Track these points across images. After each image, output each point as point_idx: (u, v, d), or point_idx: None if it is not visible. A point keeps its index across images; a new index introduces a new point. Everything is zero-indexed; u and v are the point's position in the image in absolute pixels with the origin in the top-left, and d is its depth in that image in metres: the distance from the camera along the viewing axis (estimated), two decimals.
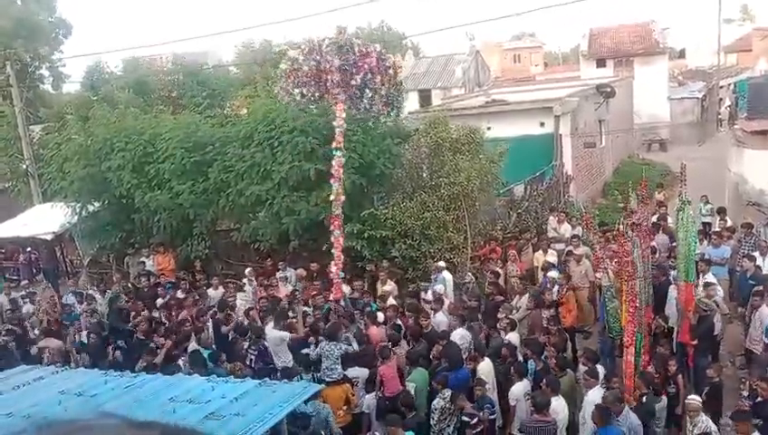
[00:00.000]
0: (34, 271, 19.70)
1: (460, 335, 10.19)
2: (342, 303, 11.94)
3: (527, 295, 11.56)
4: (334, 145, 12.47)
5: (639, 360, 9.11)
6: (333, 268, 12.39)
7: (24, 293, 15.57)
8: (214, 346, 11.05)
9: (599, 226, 13.17)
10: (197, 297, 13.40)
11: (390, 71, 12.86)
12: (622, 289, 9.03)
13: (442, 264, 13.02)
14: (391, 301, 12.10)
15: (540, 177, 18.77)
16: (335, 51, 12.11)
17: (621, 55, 38.03)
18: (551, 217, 15.98)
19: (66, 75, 31.49)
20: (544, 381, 8.44)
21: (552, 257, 13.43)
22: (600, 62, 38.34)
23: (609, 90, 24.15)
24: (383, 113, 13.68)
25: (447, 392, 8.46)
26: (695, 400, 7.91)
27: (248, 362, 10.36)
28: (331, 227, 12.54)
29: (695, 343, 9.81)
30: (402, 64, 43.31)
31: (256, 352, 10.48)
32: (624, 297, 8.93)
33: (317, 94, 12.62)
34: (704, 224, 15.43)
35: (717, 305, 10.42)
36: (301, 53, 12.43)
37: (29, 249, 19.55)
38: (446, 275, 12.81)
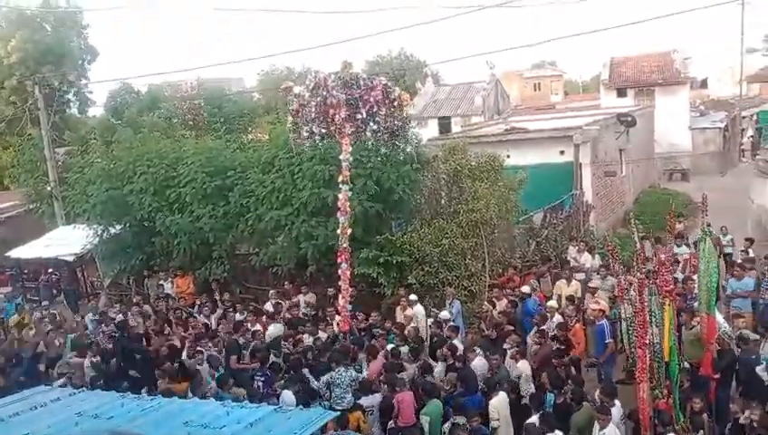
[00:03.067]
0: (55, 292, 19.89)
1: (480, 364, 10.10)
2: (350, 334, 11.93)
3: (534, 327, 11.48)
4: (340, 179, 12.51)
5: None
6: (341, 301, 12.38)
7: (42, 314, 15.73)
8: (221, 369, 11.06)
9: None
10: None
11: (396, 102, 12.93)
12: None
13: (451, 290, 13.04)
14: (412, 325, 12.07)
15: (559, 205, 18.69)
16: (340, 86, 12.23)
17: (642, 85, 37.92)
18: (570, 247, 15.85)
19: (92, 100, 32.17)
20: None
21: (573, 288, 13.28)
22: (621, 92, 38.25)
23: (629, 119, 24.07)
24: (388, 145, 13.67)
25: (459, 418, 8.37)
26: None
27: (256, 386, 10.36)
28: (339, 260, 12.57)
29: (717, 376, 9.62)
30: (421, 92, 43.66)
31: (263, 378, 10.46)
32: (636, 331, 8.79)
33: (323, 130, 12.69)
34: (724, 255, 15.22)
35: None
36: (306, 89, 12.54)
37: (51, 270, 19.77)
38: (457, 303, 12.87)
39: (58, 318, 15.19)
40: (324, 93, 12.22)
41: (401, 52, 56.09)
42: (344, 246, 12.52)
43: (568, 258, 15.30)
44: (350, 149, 12.56)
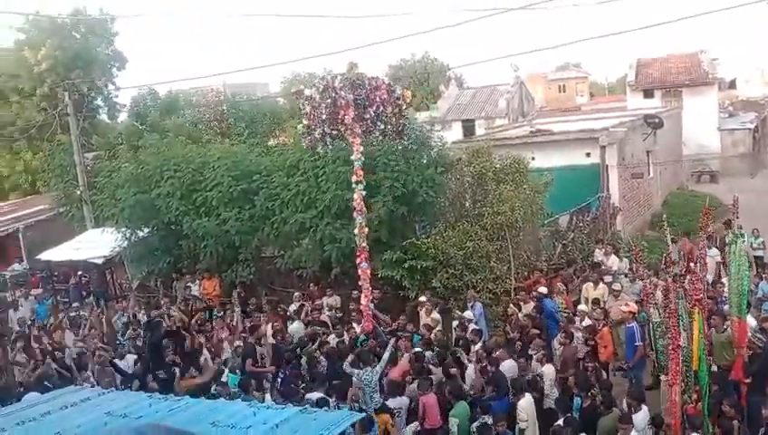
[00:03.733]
0: (84, 294, 20.20)
1: (509, 366, 10.05)
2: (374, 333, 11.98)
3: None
4: (354, 179, 12.58)
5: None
6: (363, 300, 12.41)
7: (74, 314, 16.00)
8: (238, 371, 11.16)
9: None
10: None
11: (400, 101, 12.95)
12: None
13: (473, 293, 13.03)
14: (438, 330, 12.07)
15: (585, 208, 18.51)
16: (348, 87, 12.28)
17: (669, 86, 37.43)
18: (597, 250, 15.69)
19: (121, 105, 32.62)
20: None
21: (599, 291, 13.14)
22: (648, 93, 37.79)
23: (656, 120, 23.77)
24: (396, 143, 13.66)
25: (488, 418, 8.34)
26: None
27: (277, 387, 10.44)
28: (358, 260, 12.56)
29: (748, 380, 9.44)
30: (445, 95, 43.59)
31: (282, 378, 10.54)
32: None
33: (334, 132, 12.72)
34: (755, 258, 14.96)
35: None
36: (316, 91, 12.60)
37: (80, 272, 20.09)
38: (479, 305, 12.84)
39: (90, 319, 15.43)
40: (333, 95, 12.28)
41: (425, 55, 56.00)
42: (363, 245, 12.56)
43: (594, 261, 15.15)
44: (362, 148, 12.64)
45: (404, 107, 12.65)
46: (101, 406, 8.25)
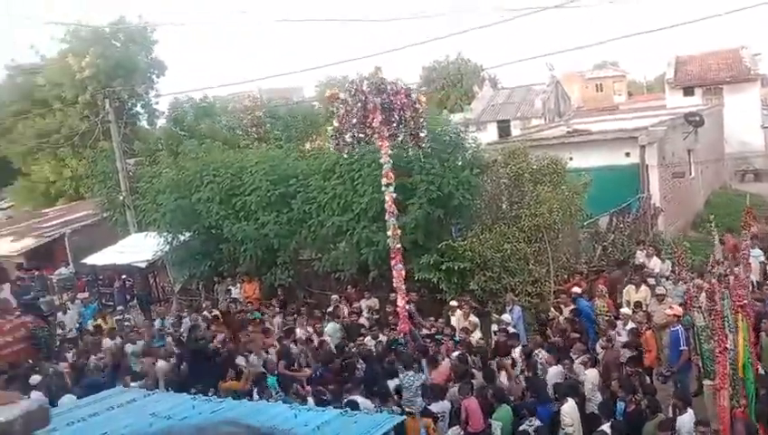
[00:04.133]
0: (128, 297, 20.64)
1: (555, 373, 9.97)
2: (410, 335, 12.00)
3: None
4: (385, 181, 12.60)
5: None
6: (399, 302, 12.45)
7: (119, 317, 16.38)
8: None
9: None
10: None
11: (416, 105, 12.95)
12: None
13: (512, 296, 12.96)
14: (477, 334, 12.02)
15: (626, 208, 18.22)
16: (375, 91, 12.35)
17: (709, 83, 36.60)
18: (638, 252, 15.42)
19: (160, 112, 33.23)
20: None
21: (642, 294, 12.92)
22: (688, 91, 37.01)
23: (697, 118, 23.28)
24: (414, 147, 13.64)
25: (535, 421, 8.28)
26: None
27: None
28: (393, 262, 12.62)
29: None
30: (479, 96, 43.37)
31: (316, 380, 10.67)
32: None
33: (362, 135, 12.79)
34: None
35: None
36: (348, 94, 12.67)
37: (124, 276, 20.54)
38: (517, 308, 12.74)
39: (133, 323, 15.80)
40: (363, 98, 12.37)
41: (458, 56, 55.79)
42: (397, 247, 12.63)
43: (636, 263, 14.89)
44: (389, 151, 12.69)
45: (420, 111, 12.64)
46: (147, 407, 8.45)
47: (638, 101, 52.04)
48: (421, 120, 12.67)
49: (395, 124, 12.62)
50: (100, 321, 16.15)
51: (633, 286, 13.09)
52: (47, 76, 31.34)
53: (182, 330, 14.39)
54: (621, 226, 16.90)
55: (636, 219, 17.86)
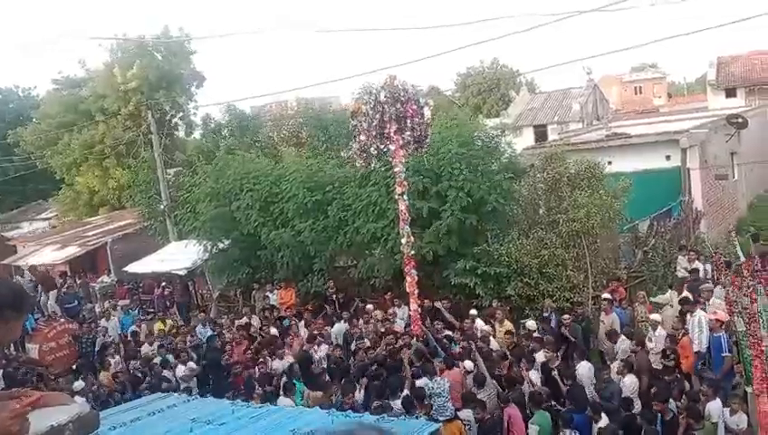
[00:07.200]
0: (168, 304, 21.02)
1: (586, 370, 9.83)
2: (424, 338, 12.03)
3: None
4: (399, 190, 12.60)
5: None
6: (413, 305, 12.45)
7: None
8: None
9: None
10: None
11: (423, 109, 12.89)
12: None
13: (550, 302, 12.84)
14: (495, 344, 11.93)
15: (667, 213, 17.86)
16: (391, 100, 12.34)
17: (753, 84, 35.65)
18: (680, 257, 15.08)
19: (197, 123, 33.77)
20: None
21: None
22: (730, 92, 36.13)
23: (740, 120, 22.68)
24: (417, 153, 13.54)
25: (569, 433, 8.16)
26: None
27: None
28: (406, 268, 12.63)
29: None
30: (516, 101, 43.04)
31: None
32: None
33: (381, 146, 12.77)
34: None
35: None
36: (369, 107, 12.67)
37: (164, 284, 20.93)
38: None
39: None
40: (381, 109, 12.37)
41: (494, 61, 55.54)
42: (410, 253, 12.72)
43: (678, 268, 14.56)
44: (404, 160, 12.70)
45: (426, 118, 12.60)
46: (187, 413, 8.56)
47: (679, 104, 51.03)
48: (425, 126, 12.66)
49: (408, 132, 12.63)
50: (145, 326, 16.53)
51: (675, 292, 12.79)
52: (92, 88, 32.16)
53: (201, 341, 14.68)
54: (662, 230, 16.55)
55: (677, 224, 17.48)
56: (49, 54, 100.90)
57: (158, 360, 13.56)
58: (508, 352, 11.16)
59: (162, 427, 8.06)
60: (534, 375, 10.15)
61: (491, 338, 11.91)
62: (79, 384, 12.28)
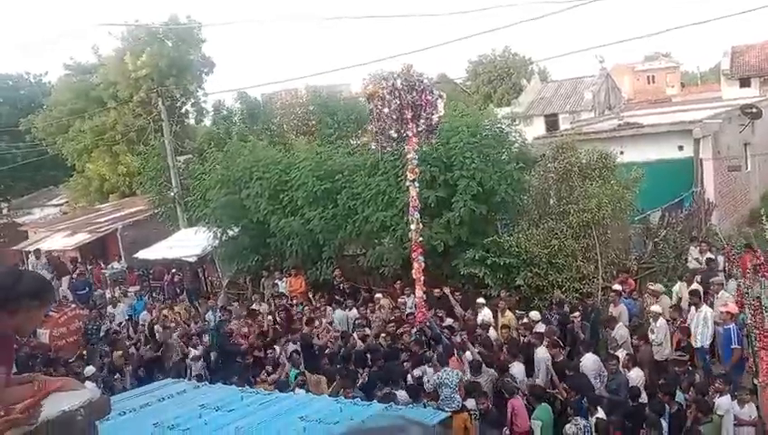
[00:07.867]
0: (178, 291, 21.14)
1: (591, 362, 9.80)
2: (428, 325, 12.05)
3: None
4: (411, 177, 12.67)
5: None
6: (418, 292, 12.47)
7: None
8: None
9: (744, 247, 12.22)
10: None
11: (437, 100, 12.85)
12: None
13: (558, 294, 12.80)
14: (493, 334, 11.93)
15: (678, 203, 17.73)
16: (407, 88, 12.29)
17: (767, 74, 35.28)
18: (691, 248, 14.97)
19: (207, 111, 33.80)
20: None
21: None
22: (744, 82, 35.73)
23: (755, 110, 22.42)
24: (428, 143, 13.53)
25: (580, 421, 8.14)
26: None
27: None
28: (414, 254, 12.66)
29: None
30: (527, 89, 42.73)
31: None
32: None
33: (396, 134, 12.76)
34: None
35: None
36: (386, 92, 12.64)
37: (174, 270, 21.04)
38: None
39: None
40: (398, 95, 12.36)
41: (506, 49, 55.10)
42: (419, 240, 12.80)
43: (689, 259, 14.46)
44: (416, 148, 12.75)
45: (438, 107, 12.59)
46: (197, 399, 8.61)
47: (692, 93, 50.58)
48: (435, 116, 12.68)
49: (423, 121, 12.65)
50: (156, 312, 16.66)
51: (685, 284, 12.72)
52: (103, 75, 32.22)
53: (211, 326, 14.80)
54: (674, 221, 16.43)
55: (689, 214, 17.35)
56: (49, 54, 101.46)
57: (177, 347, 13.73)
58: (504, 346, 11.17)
59: (171, 412, 8.09)
60: (518, 368, 10.09)
61: (491, 328, 11.90)
62: (90, 369, 12.38)
